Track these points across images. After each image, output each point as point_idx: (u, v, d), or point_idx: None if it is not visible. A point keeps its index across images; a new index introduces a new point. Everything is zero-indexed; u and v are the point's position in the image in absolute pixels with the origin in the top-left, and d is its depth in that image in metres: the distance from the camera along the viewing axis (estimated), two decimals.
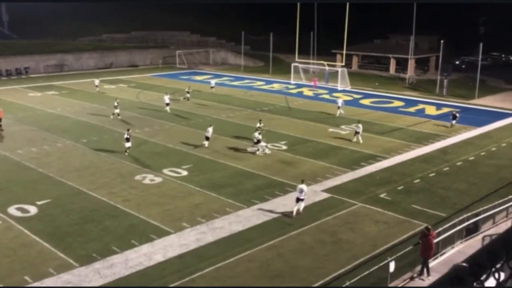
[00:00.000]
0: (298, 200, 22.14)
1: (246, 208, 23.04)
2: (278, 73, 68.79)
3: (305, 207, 23.01)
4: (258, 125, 34.45)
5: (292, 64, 63.00)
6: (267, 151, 31.30)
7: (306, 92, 56.36)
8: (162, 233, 20.22)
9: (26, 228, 20.44)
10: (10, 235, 19.89)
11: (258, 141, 31.35)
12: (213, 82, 56.37)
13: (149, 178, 26.67)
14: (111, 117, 40.24)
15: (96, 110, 43.75)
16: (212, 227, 20.93)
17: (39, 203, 23.00)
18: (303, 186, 22.27)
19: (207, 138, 32.26)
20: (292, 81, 62.31)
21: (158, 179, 26.57)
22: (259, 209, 22.95)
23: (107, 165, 28.97)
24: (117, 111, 40.43)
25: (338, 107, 43.31)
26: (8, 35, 76.91)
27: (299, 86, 59.75)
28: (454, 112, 40.42)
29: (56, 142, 33.37)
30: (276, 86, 60.25)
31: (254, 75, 69.59)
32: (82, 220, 21.42)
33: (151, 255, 18.50)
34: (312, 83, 59.71)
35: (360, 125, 34.64)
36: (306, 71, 63.91)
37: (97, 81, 54.25)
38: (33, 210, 22.29)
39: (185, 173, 27.65)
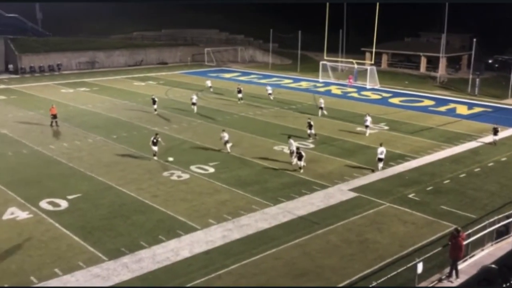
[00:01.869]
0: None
1: (272, 206, 23.06)
2: (306, 71, 68.49)
3: (332, 206, 22.98)
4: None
5: (321, 62, 62.63)
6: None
7: (334, 90, 55.96)
8: (189, 229, 20.42)
9: (57, 221, 20.93)
10: (41, 228, 20.39)
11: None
12: (269, 88, 50.41)
13: (177, 175, 26.94)
14: (155, 113, 40.99)
15: (126, 107, 44.38)
16: (238, 224, 21.02)
17: (69, 197, 23.51)
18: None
19: (226, 143, 31.04)
20: (320, 79, 61.95)
21: (185, 176, 26.82)
22: (286, 207, 22.95)
23: (136, 161, 29.39)
24: (155, 106, 41.29)
25: (321, 108, 41.84)
26: (42, 32, 78.57)
27: (327, 84, 59.36)
28: (495, 127, 34.25)
29: (87, 137, 34.03)
30: (304, 84, 60.02)
31: (282, 73, 69.47)
32: (111, 214, 21.80)
33: (178, 250, 18.70)
34: (347, 82, 59.26)
35: (368, 118, 35.09)
36: (334, 69, 63.47)
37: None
38: (64, 204, 22.80)
39: (212, 170, 27.84)
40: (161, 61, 79.57)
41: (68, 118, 39.47)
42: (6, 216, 21.36)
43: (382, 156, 27.75)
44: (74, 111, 42.64)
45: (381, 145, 28.13)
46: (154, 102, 41.78)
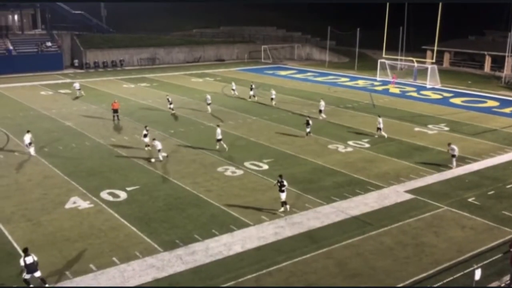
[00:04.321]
0: None
1: (326, 204, 22.90)
2: (364, 69, 67.37)
3: (386, 208, 22.57)
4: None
5: (379, 61, 61.41)
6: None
7: (393, 89, 54.71)
8: (242, 225, 20.64)
9: (116, 212, 21.72)
10: (101, 218, 21.23)
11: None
12: (273, 92, 46.04)
13: (231, 170, 27.27)
14: (209, 109, 41.43)
15: (184, 103, 45.33)
16: (291, 222, 21.03)
17: (128, 189, 24.33)
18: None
19: (218, 140, 30.58)
20: (378, 78, 60.75)
21: (239, 172, 27.10)
22: (339, 206, 22.73)
23: (192, 155, 29.99)
24: (209, 101, 41.49)
25: (320, 111, 40.03)
26: (106, 29, 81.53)
27: (385, 83, 58.11)
28: None
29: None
30: (361, 83, 59.08)
31: (339, 71, 68.69)
32: (167, 207, 22.39)
33: (231, 245, 18.95)
34: (391, 79, 57.85)
35: (380, 120, 34.02)
36: (393, 67, 62.05)
37: (77, 85, 49.42)
38: (123, 195, 23.63)
39: (266, 167, 27.97)
40: (218, 58, 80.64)
41: (128, 113, 40.78)
42: (68, 205, 22.39)
43: (455, 153, 28.06)
44: (135, 105, 44.00)
45: (449, 144, 28.51)
46: (169, 102, 41.21)
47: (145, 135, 30.59)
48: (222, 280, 16.65)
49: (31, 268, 15.72)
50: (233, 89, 49.79)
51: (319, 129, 36.10)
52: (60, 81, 57.81)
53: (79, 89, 48.59)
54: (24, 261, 15.65)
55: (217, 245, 18.92)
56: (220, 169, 27.52)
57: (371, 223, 20.99)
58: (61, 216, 21.23)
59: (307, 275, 17.10)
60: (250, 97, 47.18)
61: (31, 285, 15.86)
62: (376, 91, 53.68)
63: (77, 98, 47.23)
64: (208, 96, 42.04)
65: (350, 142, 32.81)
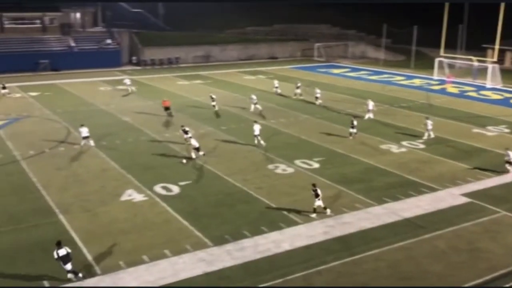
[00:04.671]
0: None
1: (377, 205, 22.52)
2: (420, 68, 65.59)
3: (441, 211, 21.95)
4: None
5: (436, 59, 59.59)
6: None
7: (450, 89, 52.97)
8: (291, 223, 20.64)
9: (169, 205, 22.25)
10: (155, 211, 21.82)
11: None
12: (318, 91, 45.17)
13: (281, 168, 27.31)
14: (252, 108, 41.61)
15: (236, 100, 45.76)
16: (341, 222, 20.83)
17: (181, 183, 24.86)
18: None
19: (255, 136, 30.98)
20: (435, 77, 58.99)
21: (290, 170, 27.09)
22: (391, 208, 22.29)
23: (243, 152, 30.25)
24: (255, 103, 41.19)
25: (368, 110, 38.85)
26: (163, 27, 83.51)
27: (442, 82, 56.31)
28: None
29: (198, 128, 35.63)
30: (417, 82, 57.57)
31: (394, 69, 67.21)
32: (217, 202, 22.71)
33: (279, 242, 19.00)
34: (446, 78, 55.94)
35: (429, 122, 32.95)
36: (451, 66, 60.05)
37: (128, 81, 51.07)
38: (175, 189, 24.17)
39: (316, 165, 27.82)
40: (271, 56, 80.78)
41: (182, 109, 41.61)
42: (124, 198, 23.14)
43: (510, 160, 26.93)
44: (188, 102, 44.84)
45: (506, 149, 27.29)
46: (212, 99, 41.40)
47: (186, 132, 30.85)
48: (270, 277, 16.72)
49: (65, 260, 16.15)
50: (276, 87, 49.79)
51: (371, 129, 35.52)
52: (118, 78, 59.70)
53: (129, 85, 49.94)
54: (57, 254, 16.10)
55: (265, 242, 19.02)
56: (270, 166, 27.62)
57: (424, 226, 20.46)
58: (116, 208, 21.98)
59: (357, 276, 16.90)
60: (295, 95, 46.97)
61: (71, 274, 16.26)
62: (433, 90, 52.16)
63: (128, 94, 48.55)
64: (253, 96, 41.90)
65: (404, 143, 32.08)
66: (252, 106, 40.82)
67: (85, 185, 24.61)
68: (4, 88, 47.44)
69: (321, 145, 31.66)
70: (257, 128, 31.16)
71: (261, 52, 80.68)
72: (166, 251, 18.22)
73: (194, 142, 28.41)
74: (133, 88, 50.16)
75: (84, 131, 30.56)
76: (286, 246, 18.73)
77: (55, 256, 16.14)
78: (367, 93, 49.51)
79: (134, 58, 72.50)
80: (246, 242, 19.01)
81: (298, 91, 47.17)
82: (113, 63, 67.99)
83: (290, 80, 57.10)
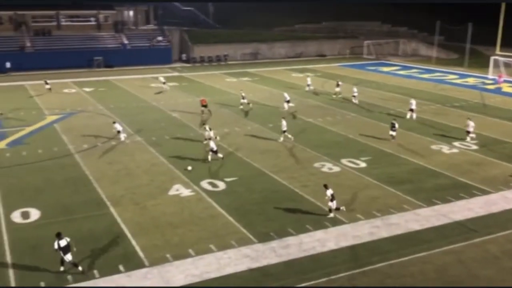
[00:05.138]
0: None
1: (426, 207, 21.99)
2: (475, 66, 63.37)
3: (493, 214, 21.20)
4: None
5: (492, 58, 57.43)
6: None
7: (506, 88, 50.93)
8: (336, 222, 20.47)
9: (215, 201, 22.54)
10: (201, 206, 22.16)
11: None
12: (355, 90, 44.48)
13: (328, 167, 27.10)
14: (285, 107, 41.05)
15: (283, 97, 45.69)
16: (387, 223, 20.48)
17: (227, 179, 25.12)
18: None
19: (283, 132, 31.52)
20: (490, 76, 56.89)
21: (336, 169, 26.86)
22: (440, 210, 21.71)
23: (289, 150, 30.22)
24: (287, 99, 40.69)
25: (411, 110, 37.47)
26: (213, 25, 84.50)
27: (498, 81, 54.22)
28: None
29: (246, 125, 35.87)
30: (470, 81, 55.69)
31: (447, 68, 65.28)
32: (263, 199, 22.81)
33: (324, 241, 18.89)
34: (498, 78, 53.71)
35: (471, 123, 31.39)
36: (508, 65, 57.70)
37: (162, 79, 51.61)
38: (221, 185, 24.45)
39: (363, 164, 27.44)
40: (319, 53, 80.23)
41: (229, 106, 41.98)
42: (172, 192, 23.62)
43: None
44: (236, 99, 45.12)
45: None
46: (242, 97, 41.22)
47: (210, 129, 30.89)
48: (315, 275, 16.66)
49: (66, 250, 16.49)
50: (308, 85, 49.35)
51: (420, 128, 34.68)
52: (168, 74, 60.88)
53: (164, 83, 50.69)
54: (58, 244, 16.43)
55: (310, 240, 18.95)
56: (316, 165, 27.47)
57: (475, 230, 19.82)
58: (165, 202, 22.47)
59: (404, 278, 16.57)
60: (335, 94, 46.43)
61: (63, 267, 16.61)
62: (487, 89, 50.33)
63: (161, 92, 49.27)
64: (286, 94, 41.58)
65: (456, 143, 31.17)
66: (285, 105, 40.52)
67: (135, 179, 25.28)
68: (46, 83, 49.18)
69: (369, 144, 31.19)
70: (284, 124, 31.58)
71: (309, 50, 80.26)
72: (212, 246, 18.47)
73: (213, 145, 27.86)
74: (167, 86, 50.67)
75: (118, 126, 31.83)
76: (331, 245, 18.61)
77: (55, 246, 16.47)
78: (417, 91, 48.35)
79: (184, 55, 73.72)
80: (291, 240, 19.01)
81: (338, 89, 46.60)
82: (163, 60, 69.44)
83: (338, 79, 56.52)
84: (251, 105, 41.24)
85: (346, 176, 25.86)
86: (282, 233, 19.46)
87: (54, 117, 38.35)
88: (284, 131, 31.60)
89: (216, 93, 48.09)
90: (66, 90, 50.20)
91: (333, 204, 20.79)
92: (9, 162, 27.68)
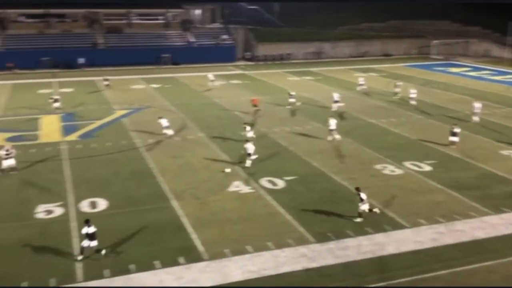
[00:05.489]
0: None
1: (493, 214, 21.03)
2: None
3: None
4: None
5: None
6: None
7: None
8: (397, 226, 20.01)
9: (274, 199, 22.64)
10: (260, 203, 22.33)
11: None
12: (412, 91, 42.95)
13: (389, 169, 26.52)
14: (334, 108, 40.38)
15: (344, 97, 45.16)
16: (452, 229, 19.77)
17: (286, 178, 25.16)
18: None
19: (331, 131, 31.29)
20: None
21: (398, 171, 26.23)
22: (509, 218, 20.69)
23: (349, 151, 29.83)
24: (336, 99, 40.22)
25: (474, 113, 35.81)
26: (277, 24, 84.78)
27: None
28: None
29: (306, 124, 35.75)
30: None
31: None
32: (322, 199, 22.66)
33: (384, 245, 18.52)
34: None
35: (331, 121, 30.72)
36: None
37: (211, 76, 51.93)
38: (281, 184, 24.52)
39: (428, 168, 26.61)
40: (384, 53, 78.52)
41: (290, 104, 41.94)
42: (231, 188, 23.95)
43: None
44: (297, 98, 45.04)
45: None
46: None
47: (247, 130, 30.82)
48: (373, 279, 16.38)
49: (92, 237, 17.29)
50: (360, 84, 48.19)
51: (489, 132, 33.17)
52: (232, 72, 61.75)
53: (212, 80, 51.10)
54: (86, 231, 17.25)
55: (370, 243, 18.64)
56: (378, 166, 26.94)
57: None
58: (224, 198, 22.84)
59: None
60: (395, 94, 45.14)
61: (82, 255, 17.32)
62: None
63: (210, 89, 49.76)
64: (335, 94, 40.90)
65: None
66: (334, 105, 39.87)
67: (197, 174, 25.84)
68: (106, 80, 50.96)
69: (434, 148, 30.21)
70: (333, 123, 31.30)
71: (374, 49, 78.72)
72: (269, 244, 18.58)
73: (249, 147, 26.60)
74: (216, 84, 51.12)
75: (164, 122, 32.32)
76: (391, 250, 18.21)
77: (83, 232, 17.30)
78: (487, 94, 46.29)
79: (247, 53, 74.41)
80: (349, 242, 18.79)
81: (398, 90, 45.36)
82: (228, 58, 70.46)
83: (404, 79, 55.11)
84: (299, 103, 41.05)
85: (408, 179, 25.20)
86: (340, 234, 19.27)
87: (122, 112, 39.92)
88: (332, 130, 31.39)
89: (278, 92, 48.20)
90: (134, 86, 52.10)
91: (365, 207, 20.35)
92: (80, 154, 29.12)
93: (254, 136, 30.28)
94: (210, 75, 51.95)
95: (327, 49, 76.58)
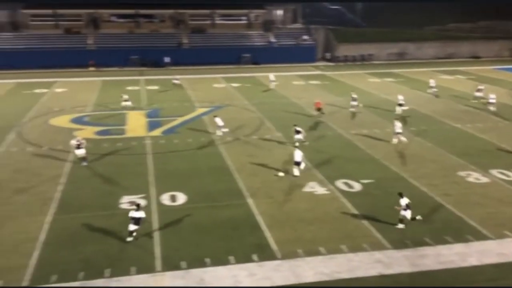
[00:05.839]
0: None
1: None
2: None
3: None
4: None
5: None
6: None
7: None
8: (480, 236, 19.04)
9: (349, 202, 22.33)
10: (334, 205, 22.12)
11: None
12: (492, 96, 40.13)
13: (474, 177, 25.25)
14: (398, 111, 38.55)
15: (428, 100, 43.59)
16: None
17: (363, 181, 24.72)
18: None
19: (397, 133, 30.66)
20: None
21: (484, 179, 24.90)
22: None
23: (432, 156, 28.74)
24: (401, 102, 38.74)
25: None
26: (359, 23, 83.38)
27: None
28: None
29: (385, 127, 34.86)
30: None
31: None
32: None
33: (465, 256, 17.69)
34: None
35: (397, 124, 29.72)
36: None
37: (272, 76, 51.68)
38: (357, 186, 24.13)
39: None
40: (473, 55, 74.73)
41: (370, 107, 41.14)
42: (306, 189, 23.92)
43: None
44: (377, 100, 44.14)
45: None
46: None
47: (298, 132, 30.02)
48: None
49: (138, 222, 18.34)
50: (431, 86, 46.26)
51: None
52: (311, 73, 61.54)
53: (273, 81, 50.80)
54: (135, 214, 18.31)
55: (449, 253, 17.89)
56: (461, 173, 25.75)
57: None
58: (299, 198, 22.86)
59: None
60: (474, 99, 42.66)
61: (130, 237, 18.39)
62: None
63: (268, 90, 49.43)
64: (401, 97, 39.23)
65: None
66: (398, 108, 38.39)
67: (272, 173, 26.04)
68: (176, 80, 51.91)
69: None
70: (398, 126, 30.60)
71: (461, 51, 75.16)
72: (343, 247, 18.38)
73: (298, 156, 25.30)
74: (275, 83, 50.80)
75: (219, 121, 32.65)
76: (472, 261, 17.37)
77: (131, 215, 18.38)
78: None
79: (327, 54, 73.81)
80: (428, 250, 18.14)
81: (480, 94, 42.84)
82: (307, 59, 70.33)
83: (494, 83, 52.19)
84: (361, 105, 40.13)
85: (495, 188, 23.86)
86: (418, 242, 18.66)
87: (203, 110, 41.10)
88: (398, 133, 30.58)
89: (358, 93, 47.36)
90: (215, 85, 53.45)
91: (407, 214, 19.51)
92: (163, 149, 30.37)
93: (303, 139, 29.97)
94: (271, 76, 52.12)
95: (411, 50, 74.16)
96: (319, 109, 38.10)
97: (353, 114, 39.10)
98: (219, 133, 32.97)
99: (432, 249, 18.22)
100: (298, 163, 25.28)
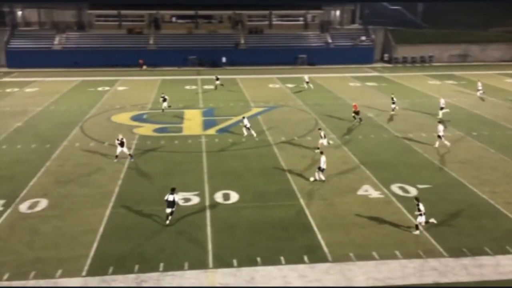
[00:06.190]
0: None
1: None
2: None
3: None
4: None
5: None
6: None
7: None
8: None
9: (404, 206, 21.76)
10: (389, 209, 21.65)
11: None
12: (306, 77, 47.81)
13: None
14: (439, 114, 37.26)
15: (493, 104, 41.83)
16: None
17: (419, 186, 24.06)
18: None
19: (439, 137, 29.71)
20: None
21: None
22: None
23: (494, 162, 27.60)
24: (442, 105, 37.81)
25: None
26: (419, 24, 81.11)
27: None
28: None
29: (447, 131, 33.69)
30: None
31: None
32: (457, 212, 21.30)
33: None
34: None
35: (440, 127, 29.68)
36: None
37: (306, 77, 51.91)
38: (413, 191, 23.49)
39: None
40: None
41: (428, 110, 39.97)
42: (360, 192, 23.57)
43: None
44: (436, 103, 42.74)
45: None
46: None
47: (323, 136, 29.26)
48: None
49: (171, 204, 19.60)
50: (479, 89, 44.89)
51: None
52: (368, 74, 60.51)
53: (307, 82, 50.27)
54: (169, 197, 19.56)
55: (509, 264, 17.12)
56: None
57: None
58: (352, 201, 22.56)
59: None
60: None
61: (167, 220, 19.71)
62: None
63: (301, 90, 48.93)
64: (442, 100, 37.97)
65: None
66: (441, 112, 37.26)
67: (324, 174, 25.82)
68: (217, 79, 51.38)
69: None
70: (441, 129, 29.76)
71: None
72: (397, 252, 17.98)
73: (323, 163, 24.50)
74: (311, 85, 50.36)
75: (246, 122, 32.76)
76: None
77: (166, 198, 19.67)
78: None
79: (385, 55, 72.37)
80: (486, 260, 17.44)
81: None
82: (365, 60, 69.22)
83: None
84: (398, 107, 39.21)
85: None
86: (476, 251, 17.98)
87: (258, 109, 41.36)
88: (440, 136, 29.68)
89: (416, 96, 46.23)
90: (271, 85, 53.64)
91: (422, 219, 18.93)
92: (217, 147, 30.82)
93: (327, 144, 29.45)
94: (306, 77, 51.95)
95: (474, 52, 71.44)
96: (356, 113, 36.69)
97: (391, 117, 38.24)
98: (251, 132, 32.85)
99: (491, 258, 17.51)
100: (321, 169, 24.57)
